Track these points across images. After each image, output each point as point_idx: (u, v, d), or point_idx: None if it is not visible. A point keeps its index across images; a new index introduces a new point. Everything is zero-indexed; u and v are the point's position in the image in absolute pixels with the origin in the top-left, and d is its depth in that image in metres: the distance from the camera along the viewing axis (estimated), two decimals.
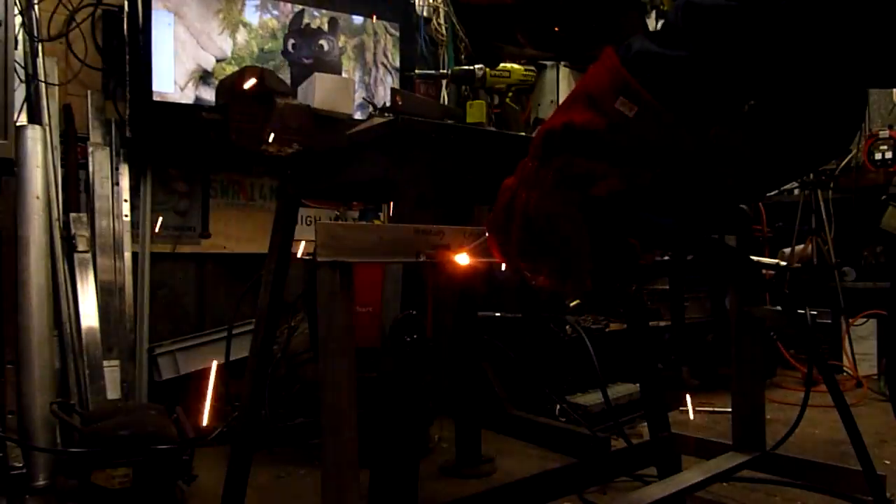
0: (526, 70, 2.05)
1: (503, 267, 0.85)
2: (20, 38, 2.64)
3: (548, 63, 3.43)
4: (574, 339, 2.96)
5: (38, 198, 2.40)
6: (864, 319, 3.99)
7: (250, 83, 1.70)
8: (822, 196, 4.31)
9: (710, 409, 3.34)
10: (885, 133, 4.14)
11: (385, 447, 1.18)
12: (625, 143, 0.71)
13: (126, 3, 2.86)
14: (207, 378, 2.99)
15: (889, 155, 4.17)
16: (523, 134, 1.60)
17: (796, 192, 4.38)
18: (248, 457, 1.89)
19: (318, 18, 3.34)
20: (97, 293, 2.70)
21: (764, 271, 1.74)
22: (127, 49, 2.86)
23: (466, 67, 2.06)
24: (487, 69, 2.03)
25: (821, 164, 1.00)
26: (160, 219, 3.07)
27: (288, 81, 2.05)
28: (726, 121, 0.79)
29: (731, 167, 0.88)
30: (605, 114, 0.70)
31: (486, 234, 0.84)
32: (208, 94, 2.92)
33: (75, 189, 2.76)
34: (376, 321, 1.28)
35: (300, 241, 2.68)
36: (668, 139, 0.71)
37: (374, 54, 3.56)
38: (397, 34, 3.61)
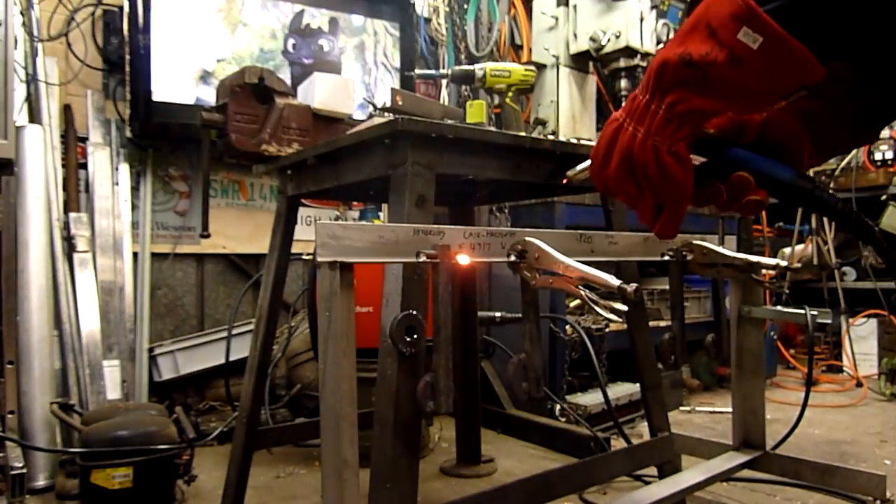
0: (526, 70, 2.05)
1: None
2: (20, 38, 2.64)
3: (548, 63, 3.43)
4: (574, 340, 2.96)
5: (38, 198, 2.40)
6: (864, 319, 3.99)
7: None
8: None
9: (710, 409, 3.34)
10: (885, 133, 4.14)
11: (385, 447, 1.18)
12: (747, 78, 0.68)
13: (126, 3, 2.86)
14: (207, 378, 3.00)
15: (889, 155, 4.18)
16: (523, 134, 1.60)
17: None
18: (248, 457, 1.89)
19: (318, 18, 3.35)
20: (97, 293, 2.70)
21: (763, 271, 1.74)
22: (127, 49, 2.86)
23: (466, 67, 2.06)
24: (487, 69, 2.03)
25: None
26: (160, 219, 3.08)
27: (288, 81, 2.04)
28: (847, 56, 0.74)
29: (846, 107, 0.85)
30: (725, 45, 0.67)
31: (589, 162, 0.82)
32: (208, 94, 2.92)
33: (75, 189, 2.76)
34: (376, 321, 1.28)
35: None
36: (794, 73, 0.68)
37: (374, 54, 3.56)
38: (397, 34, 3.61)
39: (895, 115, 0.96)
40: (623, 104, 0.76)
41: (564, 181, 0.95)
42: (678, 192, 0.74)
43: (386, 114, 1.80)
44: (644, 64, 3.98)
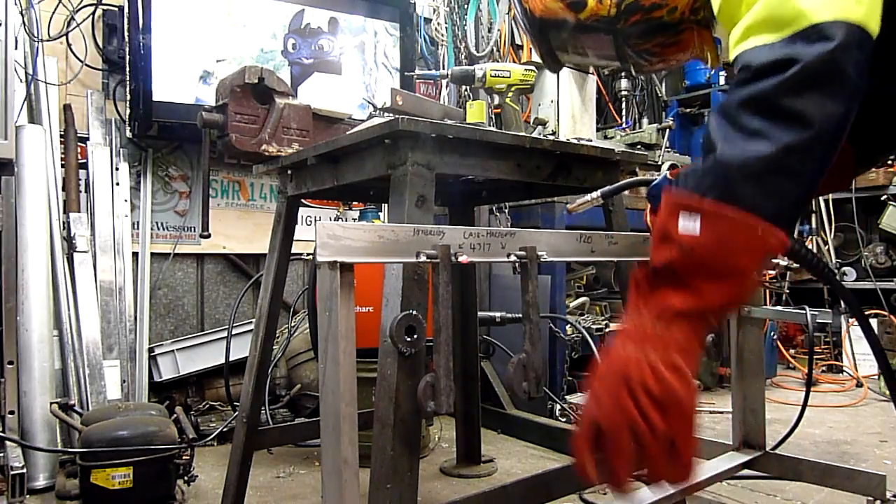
0: (526, 70, 2.05)
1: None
2: (20, 38, 2.64)
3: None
4: (574, 339, 2.96)
5: (38, 198, 2.40)
6: None
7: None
8: (822, 196, 4.31)
9: (711, 409, 3.34)
10: None
11: (385, 447, 1.18)
12: (707, 260, 0.73)
13: (126, 3, 2.86)
14: (207, 378, 3.00)
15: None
16: (523, 134, 1.60)
17: None
18: (248, 457, 1.89)
19: (318, 18, 3.34)
20: (97, 293, 2.70)
21: (764, 271, 1.74)
22: (127, 49, 2.86)
23: (466, 67, 2.06)
24: (487, 69, 2.03)
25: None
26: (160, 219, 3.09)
27: (288, 81, 2.04)
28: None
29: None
30: (674, 242, 0.73)
31: (589, 196, 0.87)
32: (208, 94, 2.92)
33: (75, 189, 2.76)
34: (376, 321, 1.28)
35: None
36: (750, 242, 0.73)
37: (374, 54, 3.56)
38: (397, 34, 3.61)
39: (872, 165, 1.06)
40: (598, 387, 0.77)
41: (568, 212, 1.00)
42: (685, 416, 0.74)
43: (386, 114, 1.80)
44: None
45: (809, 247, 4.18)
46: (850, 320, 4.10)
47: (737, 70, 0.74)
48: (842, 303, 4.14)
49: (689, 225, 0.70)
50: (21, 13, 2.68)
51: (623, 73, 4.11)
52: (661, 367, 0.71)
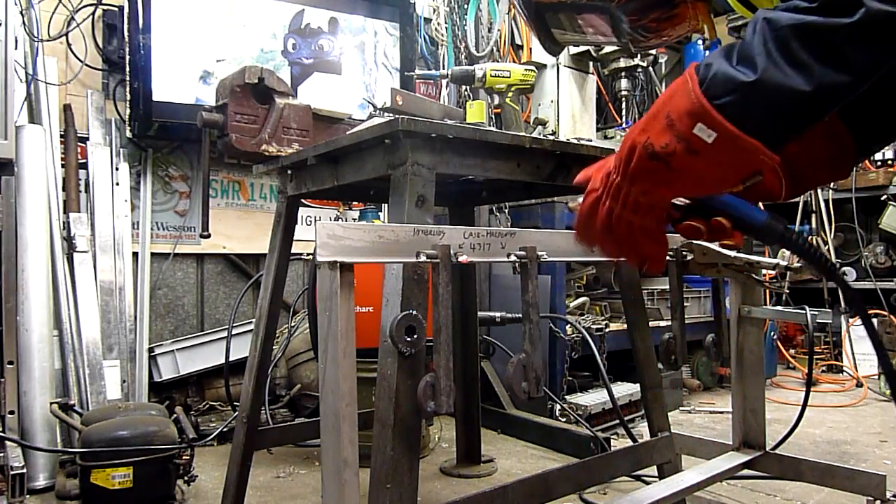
0: (526, 70, 2.05)
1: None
2: (20, 38, 2.64)
3: (548, 63, 3.43)
4: (574, 339, 2.96)
5: (38, 198, 2.40)
6: None
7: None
8: (822, 196, 4.32)
9: (710, 409, 3.34)
10: None
11: (385, 447, 1.18)
12: (704, 167, 0.76)
13: (126, 3, 2.86)
14: (207, 378, 3.00)
15: (889, 155, 4.18)
16: (523, 134, 1.60)
17: None
18: (248, 457, 1.89)
19: (318, 18, 3.34)
20: (97, 293, 2.70)
21: (763, 271, 1.74)
22: (127, 49, 2.86)
23: (466, 67, 2.06)
24: (487, 69, 2.03)
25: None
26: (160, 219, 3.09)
27: (288, 81, 2.04)
28: (800, 137, 0.83)
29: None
30: (683, 138, 0.74)
31: (575, 227, 0.93)
32: (208, 94, 2.92)
33: (75, 189, 2.76)
34: (376, 321, 1.28)
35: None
36: (748, 163, 0.75)
37: (374, 54, 3.56)
38: (397, 34, 3.61)
39: (871, 154, 1.08)
40: (599, 174, 0.86)
41: (568, 209, 1.03)
42: (652, 256, 0.86)
43: (386, 114, 1.80)
44: (644, 64, 3.99)
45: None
46: (851, 320, 4.10)
47: None
48: (842, 302, 4.15)
49: (704, 132, 0.72)
50: (21, 13, 2.68)
51: (623, 73, 4.10)
52: (638, 231, 0.83)
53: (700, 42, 4.77)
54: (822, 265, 0.87)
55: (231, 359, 2.80)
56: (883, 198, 4.08)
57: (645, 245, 0.85)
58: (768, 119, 0.72)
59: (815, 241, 4.26)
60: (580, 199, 0.97)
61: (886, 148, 4.17)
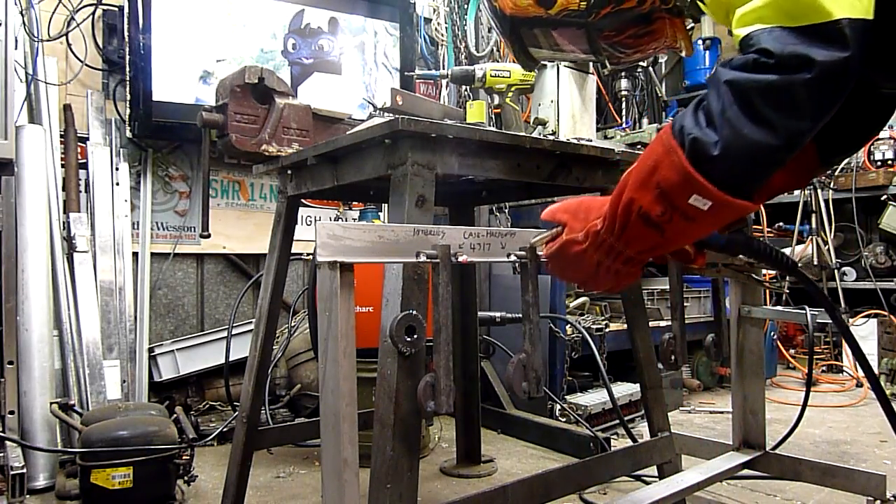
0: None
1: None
2: (20, 38, 2.64)
3: (548, 63, 3.43)
4: (574, 339, 2.96)
5: (38, 198, 2.40)
6: (864, 319, 3.99)
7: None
8: (822, 196, 4.32)
9: (710, 409, 3.34)
10: (884, 133, 4.14)
11: (385, 447, 1.18)
12: (697, 227, 0.84)
13: (126, 3, 2.86)
14: (207, 378, 3.00)
15: (889, 155, 4.18)
16: (523, 134, 1.60)
17: (796, 192, 4.39)
18: (248, 457, 1.89)
19: (318, 18, 3.34)
20: (97, 293, 2.70)
21: (763, 271, 1.74)
22: (127, 49, 2.86)
23: (466, 67, 2.06)
24: (487, 69, 2.03)
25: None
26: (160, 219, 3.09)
27: (288, 81, 2.04)
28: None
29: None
30: (678, 208, 0.81)
31: (547, 262, 1.01)
32: (208, 94, 2.92)
33: (75, 189, 2.76)
34: (376, 321, 1.28)
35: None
36: (736, 216, 0.83)
37: (374, 54, 3.56)
38: (397, 34, 3.61)
39: (832, 164, 1.18)
40: (577, 224, 0.95)
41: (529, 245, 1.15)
42: (625, 286, 0.98)
43: (386, 114, 1.80)
44: (644, 64, 3.98)
45: (809, 246, 4.17)
46: (850, 320, 4.10)
47: (746, 47, 0.78)
48: (842, 302, 4.15)
49: (699, 202, 0.80)
50: (21, 13, 2.68)
51: (623, 73, 4.10)
52: (624, 277, 0.94)
53: (700, 42, 4.78)
54: (786, 266, 0.95)
55: (231, 359, 2.80)
56: (883, 198, 4.08)
57: (623, 281, 0.95)
58: (749, 175, 0.80)
59: (815, 242, 4.26)
60: (542, 235, 1.03)
61: (886, 148, 4.17)
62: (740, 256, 1.62)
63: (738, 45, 0.81)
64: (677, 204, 0.81)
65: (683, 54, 1.18)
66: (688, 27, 1.12)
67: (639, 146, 3.73)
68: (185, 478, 2.05)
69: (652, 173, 0.82)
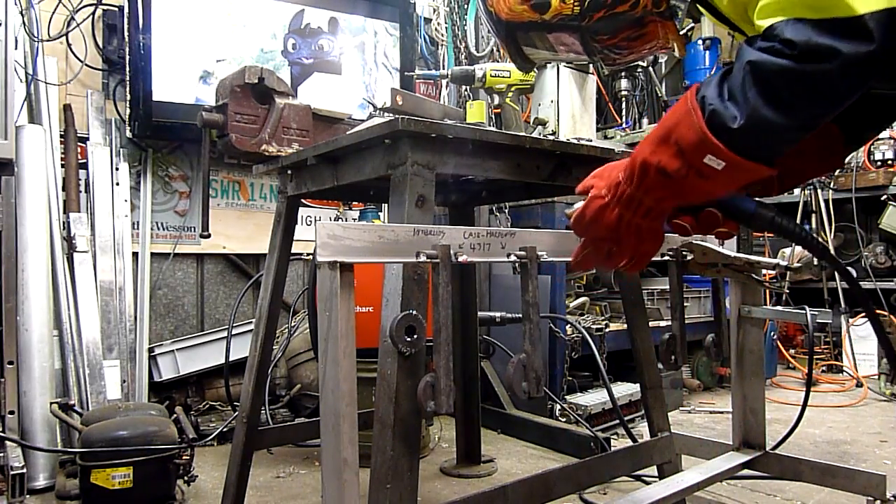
0: None
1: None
2: (20, 38, 2.64)
3: (546, 64, 3.43)
4: (574, 339, 2.96)
5: (38, 198, 2.40)
6: (864, 319, 3.99)
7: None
8: (822, 196, 4.32)
9: (710, 409, 3.34)
10: (885, 133, 4.14)
11: (385, 447, 1.18)
12: (712, 186, 0.87)
13: (126, 3, 2.86)
14: (207, 378, 3.00)
15: (889, 155, 4.18)
16: (523, 134, 1.60)
17: (796, 191, 4.39)
18: (248, 457, 1.89)
19: (318, 18, 3.34)
20: (97, 293, 2.70)
21: (763, 271, 1.74)
22: (127, 49, 2.86)
23: (466, 67, 2.06)
24: (487, 69, 2.03)
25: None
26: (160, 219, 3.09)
27: (288, 81, 2.04)
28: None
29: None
30: (693, 165, 0.85)
31: (574, 226, 1.00)
32: (208, 94, 2.92)
33: (75, 189, 2.76)
34: (376, 321, 1.28)
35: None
36: (750, 178, 0.86)
37: (374, 54, 3.56)
38: (397, 34, 3.61)
39: (863, 142, 1.16)
40: (603, 183, 0.97)
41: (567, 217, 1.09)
42: (649, 253, 0.98)
43: (386, 114, 1.80)
44: (644, 64, 3.98)
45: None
46: (851, 320, 4.10)
47: (769, 38, 0.79)
48: (842, 302, 4.14)
49: (713, 162, 0.83)
50: (21, 13, 2.68)
51: (623, 73, 4.10)
52: (646, 232, 0.95)
53: (700, 42, 4.77)
54: (815, 247, 0.94)
55: (231, 359, 2.80)
56: (883, 198, 4.08)
57: (646, 242, 0.95)
58: (765, 147, 0.83)
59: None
60: (578, 206, 1.02)
61: (886, 148, 4.17)
62: (740, 256, 1.63)
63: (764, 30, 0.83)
64: (693, 162, 0.84)
65: (676, 55, 1.19)
66: (687, 28, 1.13)
67: None
68: (185, 478, 2.04)
69: (672, 130, 0.86)
